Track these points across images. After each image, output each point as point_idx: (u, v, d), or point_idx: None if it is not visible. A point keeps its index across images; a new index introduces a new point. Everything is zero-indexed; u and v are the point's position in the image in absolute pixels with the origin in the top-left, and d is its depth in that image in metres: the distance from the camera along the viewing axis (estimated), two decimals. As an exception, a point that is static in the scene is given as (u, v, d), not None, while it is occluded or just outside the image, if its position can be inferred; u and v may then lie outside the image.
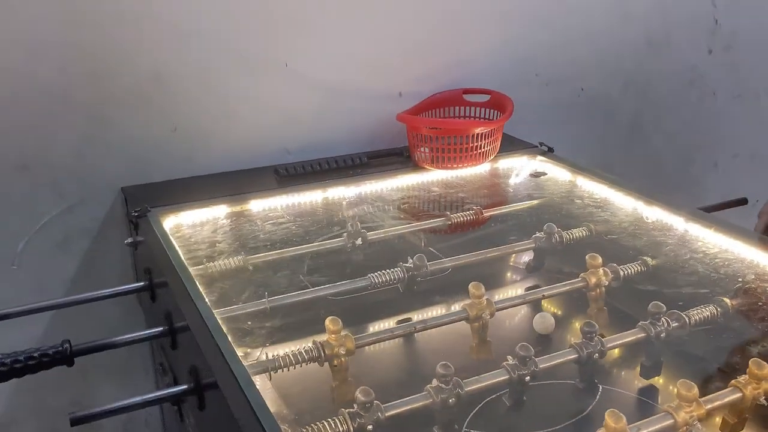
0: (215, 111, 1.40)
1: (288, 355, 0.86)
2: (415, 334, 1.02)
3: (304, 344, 0.88)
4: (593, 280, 1.07)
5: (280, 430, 0.67)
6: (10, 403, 1.39)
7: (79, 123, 1.29)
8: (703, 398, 0.78)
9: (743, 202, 1.55)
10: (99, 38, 1.26)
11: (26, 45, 1.21)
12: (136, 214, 1.19)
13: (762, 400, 0.82)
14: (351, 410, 0.78)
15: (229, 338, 0.83)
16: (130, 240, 1.24)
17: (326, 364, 0.88)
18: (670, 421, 0.76)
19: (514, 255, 1.27)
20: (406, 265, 1.09)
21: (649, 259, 1.13)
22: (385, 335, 0.98)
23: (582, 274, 1.08)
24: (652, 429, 0.75)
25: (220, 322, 0.87)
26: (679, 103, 1.95)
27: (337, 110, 1.50)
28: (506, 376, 0.87)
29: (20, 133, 1.25)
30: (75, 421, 0.80)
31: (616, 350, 0.98)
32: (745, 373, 0.83)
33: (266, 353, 0.86)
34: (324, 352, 0.88)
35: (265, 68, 1.41)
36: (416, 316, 1.11)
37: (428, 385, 0.83)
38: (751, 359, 0.83)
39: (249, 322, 0.94)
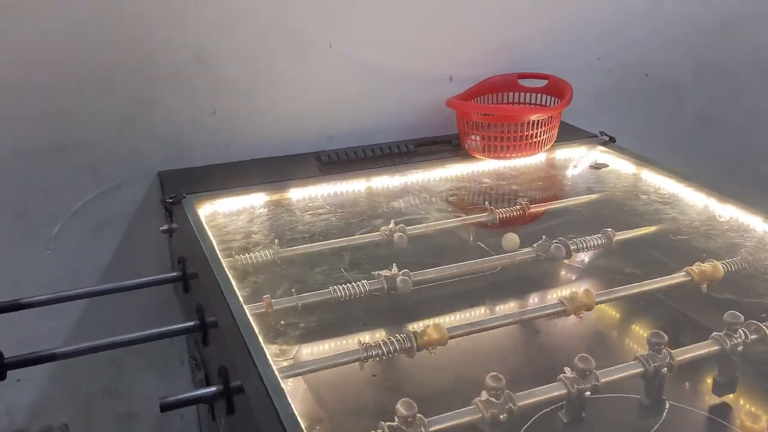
0: (256, 94, 1.34)
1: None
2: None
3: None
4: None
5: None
6: (45, 389, 1.37)
7: (119, 105, 1.24)
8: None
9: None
10: (140, 17, 1.21)
11: (66, 26, 1.17)
12: (171, 200, 1.14)
13: None
14: (391, 424, 0.71)
15: (260, 338, 0.76)
16: (165, 227, 1.19)
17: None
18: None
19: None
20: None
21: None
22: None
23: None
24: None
25: (251, 319, 0.80)
26: (755, 94, 1.80)
27: (384, 95, 1.42)
28: (564, 390, 0.78)
29: (59, 114, 1.21)
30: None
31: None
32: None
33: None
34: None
35: (309, 49, 1.34)
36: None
37: (477, 398, 0.75)
38: None
39: (282, 321, 0.87)
